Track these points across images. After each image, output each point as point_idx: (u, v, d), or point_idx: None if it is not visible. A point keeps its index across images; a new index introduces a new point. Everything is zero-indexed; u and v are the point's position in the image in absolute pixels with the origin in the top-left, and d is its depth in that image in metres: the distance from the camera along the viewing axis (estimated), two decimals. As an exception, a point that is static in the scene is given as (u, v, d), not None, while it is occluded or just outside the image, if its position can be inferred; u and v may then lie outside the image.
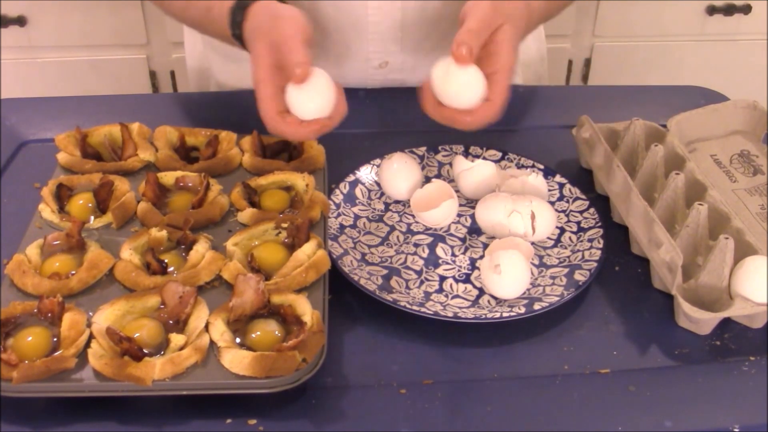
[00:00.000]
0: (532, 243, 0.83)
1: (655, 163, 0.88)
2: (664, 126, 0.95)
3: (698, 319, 0.74)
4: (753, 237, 0.78)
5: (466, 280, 0.81)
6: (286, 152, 0.92)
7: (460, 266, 0.82)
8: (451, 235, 0.86)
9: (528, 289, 0.79)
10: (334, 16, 1.03)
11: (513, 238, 0.81)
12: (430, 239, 0.86)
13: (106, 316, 0.70)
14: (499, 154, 0.95)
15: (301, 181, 0.87)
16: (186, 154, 0.92)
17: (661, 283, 0.79)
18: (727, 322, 0.77)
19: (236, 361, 0.66)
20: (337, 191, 0.89)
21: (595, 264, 0.80)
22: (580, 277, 0.79)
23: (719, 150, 0.98)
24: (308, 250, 0.76)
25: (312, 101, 0.78)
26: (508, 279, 0.76)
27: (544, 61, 1.26)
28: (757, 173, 0.93)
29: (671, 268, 0.76)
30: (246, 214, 0.82)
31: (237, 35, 0.86)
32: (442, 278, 0.81)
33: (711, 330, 0.76)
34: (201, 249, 0.77)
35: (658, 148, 0.87)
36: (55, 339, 0.68)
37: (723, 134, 1.00)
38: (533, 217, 0.83)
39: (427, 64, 1.13)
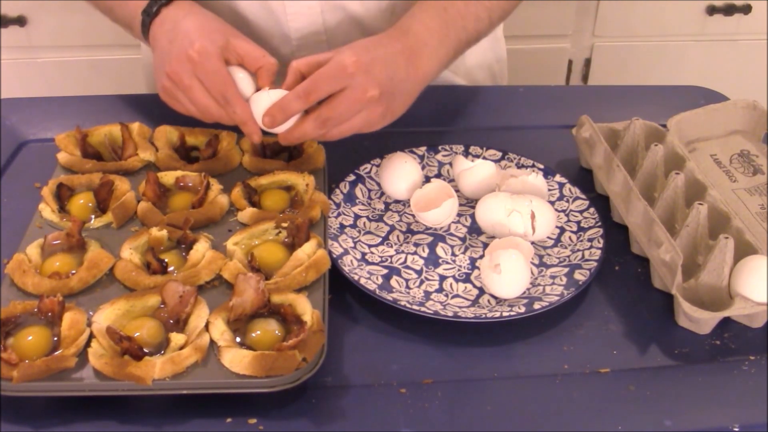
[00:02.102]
0: (532, 243, 0.83)
1: (655, 162, 0.88)
2: (664, 126, 0.95)
3: (698, 319, 0.74)
4: (753, 237, 0.78)
5: (466, 279, 0.81)
6: (286, 152, 0.92)
7: (460, 266, 0.82)
8: (451, 234, 0.86)
9: (528, 289, 0.79)
10: (256, 22, 1.01)
11: (513, 238, 0.81)
12: (430, 239, 0.86)
13: (106, 316, 0.70)
14: (499, 154, 0.95)
15: (301, 180, 0.87)
16: (186, 154, 0.92)
17: (661, 282, 0.79)
18: (727, 322, 0.77)
19: (236, 360, 0.66)
20: (337, 191, 0.89)
21: (595, 263, 0.80)
22: (580, 276, 0.79)
23: (719, 150, 0.98)
24: (308, 249, 0.76)
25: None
26: (508, 278, 0.76)
27: (501, 62, 1.23)
28: (756, 173, 0.93)
29: (671, 268, 0.76)
30: (246, 213, 0.82)
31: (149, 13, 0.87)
32: (442, 278, 0.81)
33: (711, 329, 0.76)
34: (201, 248, 0.77)
35: (658, 148, 0.87)
36: (55, 338, 0.68)
37: (723, 134, 1.00)
38: (533, 216, 0.83)
39: None
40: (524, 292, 0.78)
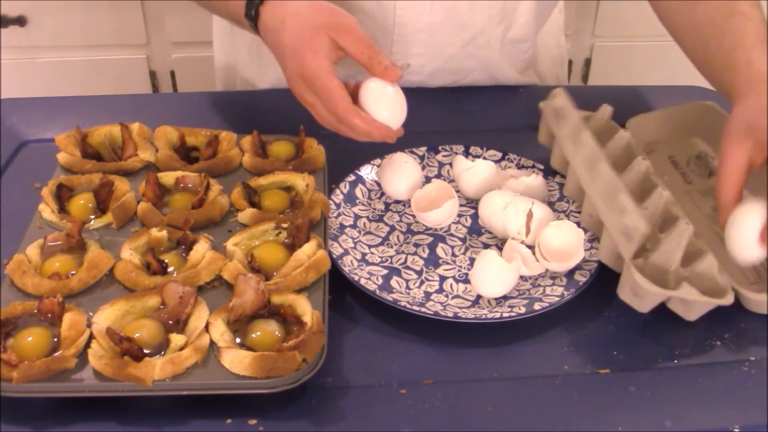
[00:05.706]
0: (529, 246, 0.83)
1: (621, 147, 0.87)
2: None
3: (645, 293, 0.72)
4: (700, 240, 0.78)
5: (466, 280, 0.81)
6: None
7: (461, 266, 0.82)
8: (452, 235, 0.86)
9: (528, 289, 0.79)
10: (360, 14, 1.02)
11: (514, 241, 0.81)
12: (430, 239, 0.86)
13: (106, 316, 0.70)
14: (499, 154, 0.95)
15: (301, 181, 0.87)
16: (186, 154, 0.92)
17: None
18: (727, 322, 0.77)
19: (236, 361, 0.66)
20: (337, 191, 0.89)
21: (595, 264, 0.80)
22: (580, 277, 0.79)
23: (677, 152, 0.97)
24: (308, 250, 0.76)
25: (393, 106, 0.80)
26: (484, 276, 0.76)
27: (564, 61, 1.27)
28: (712, 175, 0.93)
29: (632, 235, 0.74)
30: (246, 214, 0.82)
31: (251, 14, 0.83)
32: (443, 278, 0.81)
33: (649, 310, 0.74)
34: (201, 249, 0.77)
35: (627, 134, 0.87)
36: (55, 339, 0.68)
37: (682, 136, 0.99)
38: (530, 215, 0.83)
39: (448, 69, 1.12)
40: (524, 293, 0.78)
